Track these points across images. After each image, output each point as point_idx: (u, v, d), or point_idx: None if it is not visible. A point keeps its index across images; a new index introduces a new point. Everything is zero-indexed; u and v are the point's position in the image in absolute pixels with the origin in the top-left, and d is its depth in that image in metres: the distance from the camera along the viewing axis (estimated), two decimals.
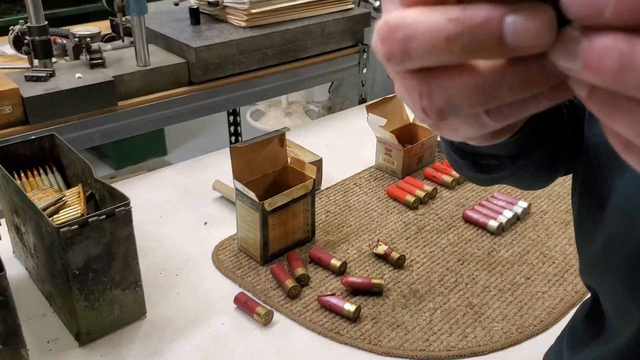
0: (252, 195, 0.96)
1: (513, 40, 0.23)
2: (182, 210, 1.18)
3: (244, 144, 1.00)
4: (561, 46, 0.23)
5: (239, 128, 2.17)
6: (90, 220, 0.81)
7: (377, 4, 2.28)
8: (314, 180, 1.03)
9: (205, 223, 1.14)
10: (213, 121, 2.58)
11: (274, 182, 1.07)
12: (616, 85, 0.22)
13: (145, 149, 3.06)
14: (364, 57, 1.67)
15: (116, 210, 0.83)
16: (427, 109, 0.27)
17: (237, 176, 1.00)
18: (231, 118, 2.15)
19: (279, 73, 1.50)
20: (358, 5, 3.07)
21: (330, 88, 3.57)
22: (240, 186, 0.99)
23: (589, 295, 0.62)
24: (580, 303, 0.67)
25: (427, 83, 0.26)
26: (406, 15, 0.25)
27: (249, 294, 0.94)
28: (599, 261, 0.52)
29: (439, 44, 0.24)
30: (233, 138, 2.19)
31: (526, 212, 1.15)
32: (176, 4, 1.56)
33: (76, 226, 0.80)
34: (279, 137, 1.05)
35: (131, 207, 0.84)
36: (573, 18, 0.23)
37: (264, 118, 3.50)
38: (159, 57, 1.38)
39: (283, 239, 1.03)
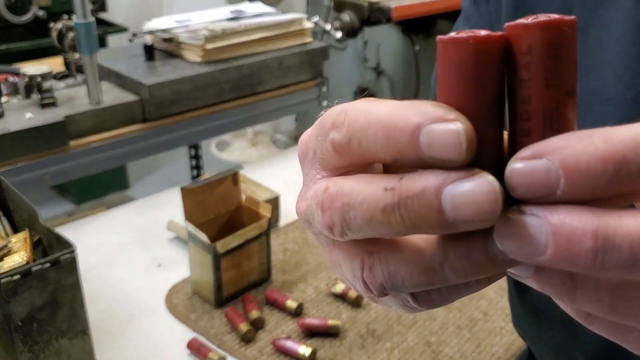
0: (204, 237, 0.94)
1: (453, 214, 0.21)
2: (135, 252, 1.15)
3: (195, 185, 0.98)
4: (512, 229, 0.21)
5: (200, 161, 2.15)
6: (33, 269, 0.78)
7: (338, 35, 2.30)
8: (269, 219, 1.01)
9: (159, 265, 1.11)
10: (176, 153, 2.55)
11: (228, 222, 1.05)
12: (595, 270, 0.20)
13: (106, 183, 3.01)
14: (324, 90, 1.67)
15: (61, 257, 0.80)
16: (368, 282, 0.25)
17: (188, 217, 0.98)
18: (192, 151, 2.13)
19: (236, 108, 1.49)
20: (322, 39, 3.09)
21: (297, 117, 3.58)
22: (191, 228, 0.96)
23: None
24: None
25: (371, 254, 0.24)
26: (344, 183, 0.24)
27: (203, 339, 0.92)
28: (535, 311, 0.51)
29: (376, 215, 0.23)
30: (195, 171, 2.16)
31: None
32: (131, 40, 1.54)
33: (18, 276, 0.77)
34: (232, 176, 1.03)
35: (76, 255, 0.82)
36: (521, 199, 0.22)
37: (229, 149, 3.48)
38: (112, 95, 1.36)
39: (238, 280, 1.00)
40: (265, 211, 1.02)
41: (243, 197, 1.07)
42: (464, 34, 0.23)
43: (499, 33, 0.23)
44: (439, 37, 0.24)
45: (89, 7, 1.23)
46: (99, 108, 1.30)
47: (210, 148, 3.48)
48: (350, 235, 0.24)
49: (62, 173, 1.28)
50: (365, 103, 0.24)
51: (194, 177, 2.18)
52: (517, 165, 0.21)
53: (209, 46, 1.42)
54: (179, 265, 1.10)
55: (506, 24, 0.23)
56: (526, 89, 0.23)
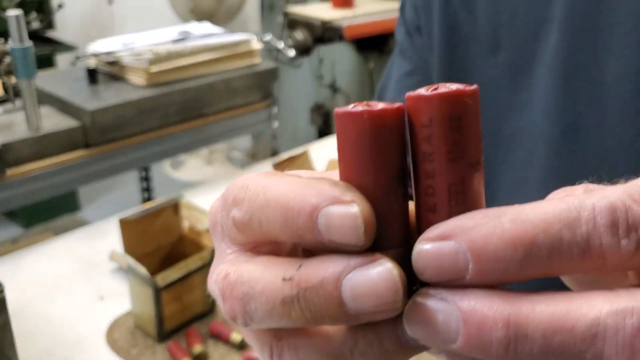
0: (143, 270, 0.91)
1: (354, 305, 0.20)
2: (76, 284, 1.11)
3: (134, 217, 0.96)
4: (421, 315, 0.20)
5: (151, 183, 2.11)
6: None
7: (291, 54, 2.29)
8: (212, 250, 0.99)
9: (102, 298, 1.08)
10: (126, 173, 2.50)
11: (170, 253, 1.02)
12: (507, 358, 0.19)
13: (57, 206, 2.93)
14: (274, 110, 1.66)
15: None
16: None
17: (128, 250, 0.95)
18: (142, 173, 2.09)
19: (183, 131, 1.46)
20: (276, 57, 3.08)
21: (253, 134, 3.55)
22: (131, 261, 0.93)
23: None
24: None
25: (279, 340, 0.23)
26: (244, 270, 0.23)
27: None
28: None
29: (276, 308, 0.21)
30: (145, 194, 2.12)
31: None
32: (73, 64, 1.50)
33: None
34: (173, 206, 1.01)
35: (4, 295, 0.78)
36: (428, 282, 0.21)
37: (183, 168, 3.43)
38: (53, 121, 1.32)
39: (180, 313, 0.98)
40: (208, 241, 1.00)
41: (186, 226, 1.04)
42: (359, 107, 0.22)
43: (397, 105, 0.22)
44: (336, 110, 0.22)
45: (26, 31, 1.19)
46: (39, 135, 1.26)
47: (164, 167, 3.43)
48: (253, 326, 0.23)
49: (0, 202, 1.23)
50: (266, 179, 0.23)
51: (145, 200, 2.13)
52: (424, 247, 0.20)
53: (154, 69, 1.40)
54: (121, 298, 1.07)
55: (406, 95, 0.22)
56: (429, 162, 0.22)
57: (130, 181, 3.10)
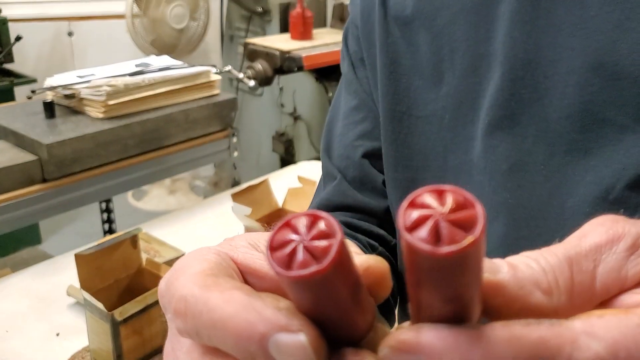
0: (100, 305, 0.91)
1: None
2: (32, 321, 1.09)
3: (91, 251, 0.95)
4: None
5: (112, 215, 2.09)
6: None
7: (251, 84, 2.31)
8: None
9: (58, 334, 1.06)
10: (89, 205, 2.47)
11: (128, 286, 1.02)
12: None
13: (17, 238, 2.87)
14: (234, 140, 1.67)
15: None
16: None
17: (84, 285, 0.94)
18: (103, 205, 2.07)
19: (142, 162, 1.46)
20: (237, 87, 3.10)
21: (215, 163, 3.55)
22: (87, 296, 0.92)
23: None
24: None
25: None
26: None
27: None
28: None
29: None
30: (106, 225, 2.10)
31: None
32: (29, 97, 1.49)
33: None
34: (131, 239, 1.00)
35: None
36: None
37: (146, 198, 3.40)
38: (8, 155, 1.31)
39: (140, 348, 0.97)
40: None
41: (144, 258, 1.04)
42: (296, 268, 0.21)
43: (331, 259, 0.21)
44: (277, 270, 0.22)
45: None
46: None
47: (127, 198, 3.40)
48: None
49: None
50: (205, 293, 0.25)
51: (107, 231, 2.11)
52: (383, 352, 0.22)
53: (111, 102, 1.40)
54: (79, 333, 1.05)
55: (410, 241, 0.21)
56: (421, 294, 0.22)
57: (92, 212, 3.06)
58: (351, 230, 0.58)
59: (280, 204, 1.38)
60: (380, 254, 0.57)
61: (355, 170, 0.62)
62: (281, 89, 3.01)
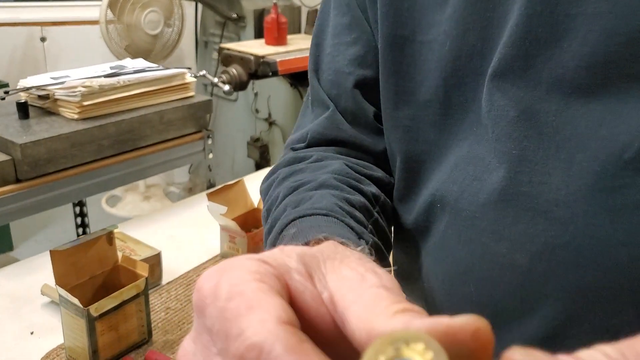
0: (76, 301, 0.91)
1: None
2: (5, 321, 1.08)
3: (66, 247, 0.95)
4: None
5: (86, 219, 2.08)
6: None
7: (226, 88, 2.32)
8: (147, 278, 0.99)
9: (32, 333, 1.05)
10: (62, 211, 2.45)
11: (104, 283, 1.02)
12: None
13: None
14: (209, 142, 1.67)
15: None
16: None
17: (60, 281, 0.94)
18: (77, 209, 2.06)
19: (117, 163, 1.46)
20: (212, 92, 3.10)
21: (190, 169, 3.54)
22: (62, 292, 0.92)
23: None
24: None
25: None
26: None
27: None
28: None
29: None
30: (80, 230, 2.08)
31: None
32: (2, 98, 1.48)
33: None
34: (107, 236, 1.01)
35: None
36: None
37: (120, 204, 3.38)
38: None
39: (115, 344, 0.97)
40: (143, 270, 1.00)
41: (120, 256, 1.04)
42: None
43: None
44: None
45: None
46: None
47: (101, 203, 3.37)
48: None
49: None
50: (289, 356, 0.23)
51: (80, 237, 2.10)
52: None
53: (86, 103, 1.40)
54: (54, 332, 1.05)
55: None
56: None
57: (65, 218, 3.03)
58: (352, 189, 0.53)
59: (255, 204, 1.39)
60: (383, 204, 0.55)
61: (348, 101, 0.57)
62: (256, 94, 3.02)
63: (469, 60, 0.47)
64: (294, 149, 0.62)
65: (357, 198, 0.51)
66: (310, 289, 0.27)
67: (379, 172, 0.57)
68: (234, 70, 2.33)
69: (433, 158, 0.51)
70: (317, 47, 0.61)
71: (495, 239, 0.46)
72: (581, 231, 0.41)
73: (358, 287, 0.26)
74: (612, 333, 0.42)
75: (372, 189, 0.54)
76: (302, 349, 0.23)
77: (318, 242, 0.39)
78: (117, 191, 3.47)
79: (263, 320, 0.23)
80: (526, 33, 0.43)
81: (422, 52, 0.50)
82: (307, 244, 0.40)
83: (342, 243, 0.37)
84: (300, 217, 0.46)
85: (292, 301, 0.27)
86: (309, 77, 0.62)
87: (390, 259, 0.61)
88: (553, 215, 0.43)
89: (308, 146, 0.60)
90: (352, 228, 0.46)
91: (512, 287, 0.46)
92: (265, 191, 0.58)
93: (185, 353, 0.27)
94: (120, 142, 1.46)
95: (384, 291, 0.26)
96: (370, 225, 0.50)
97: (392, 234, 0.57)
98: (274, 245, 0.46)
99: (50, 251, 0.94)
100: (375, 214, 0.53)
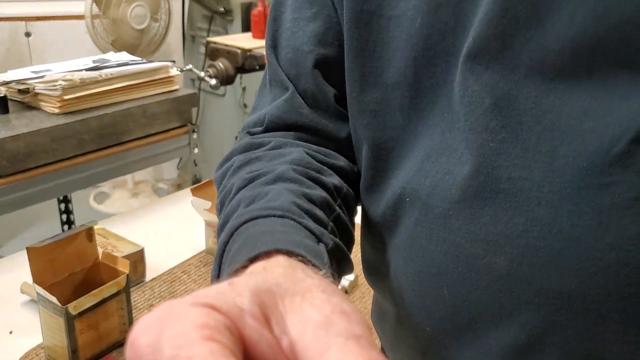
0: (53, 299, 0.88)
1: None
2: None
3: (44, 243, 0.92)
4: None
5: (71, 216, 2.05)
6: None
7: (213, 82, 2.29)
8: (127, 275, 0.97)
9: (11, 332, 1.03)
10: (48, 209, 2.42)
11: (84, 280, 0.99)
12: None
13: None
14: (194, 137, 1.65)
15: None
16: None
17: (37, 279, 0.91)
18: (62, 206, 2.03)
19: (100, 158, 1.43)
20: (199, 86, 3.07)
21: (178, 165, 3.51)
22: (40, 290, 0.90)
23: None
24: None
25: None
26: None
27: None
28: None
29: None
30: (66, 227, 2.05)
31: (353, 284, 1.15)
32: None
33: None
34: (86, 232, 0.98)
35: None
36: None
37: (108, 200, 3.35)
38: None
39: (96, 343, 0.94)
40: (124, 267, 0.98)
41: (100, 253, 1.01)
42: None
43: None
44: None
45: None
46: None
47: (89, 200, 3.34)
48: None
49: None
50: None
51: (58, 234, 2.07)
52: None
53: (67, 97, 1.37)
54: (33, 331, 1.02)
55: None
56: None
57: (51, 216, 3.00)
58: (312, 182, 0.49)
59: None
60: (345, 196, 0.51)
61: (308, 83, 0.53)
62: (244, 89, 3.00)
63: (442, 38, 0.43)
64: (250, 133, 0.57)
65: (318, 193, 0.47)
66: (267, 337, 0.24)
67: (341, 161, 0.54)
68: (221, 64, 2.31)
69: (402, 146, 0.47)
70: (274, 22, 0.56)
71: (470, 239, 0.42)
72: (566, 233, 0.38)
73: (324, 337, 0.23)
74: (596, 340, 0.39)
75: (334, 180, 0.51)
76: None
77: (268, 255, 0.35)
78: (105, 188, 3.44)
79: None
80: (504, 10, 0.39)
81: (390, 29, 0.46)
82: (255, 258, 0.35)
83: (299, 258, 0.34)
84: (253, 218, 0.42)
85: (247, 351, 0.23)
86: (266, 53, 0.58)
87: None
88: (534, 215, 0.39)
89: (265, 130, 0.56)
90: (310, 230, 0.42)
91: (490, 291, 0.42)
92: (219, 180, 0.54)
93: None
94: (102, 137, 1.43)
95: (353, 345, 0.23)
96: (331, 223, 0.47)
97: (354, 228, 0.53)
98: (225, 244, 0.42)
99: (27, 248, 0.91)
100: (337, 208, 0.49)
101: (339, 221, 0.48)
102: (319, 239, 0.42)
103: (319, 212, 0.46)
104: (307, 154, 0.51)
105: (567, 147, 0.38)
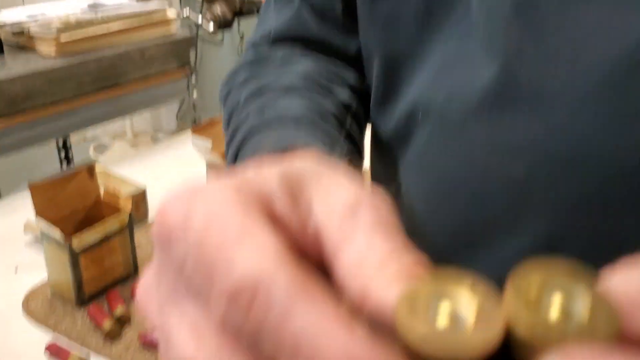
0: (57, 233, 0.89)
1: None
2: None
3: (46, 180, 0.93)
4: None
5: (72, 164, 2.05)
6: None
7: (210, 26, 2.26)
8: (130, 213, 0.97)
9: (16, 270, 1.04)
10: (47, 157, 2.41)
11: (86, 218, 1.00)
12: None
13: None
14: (192, 80, 1.63)
15: None
16: None
17: (40, 214, 0.92)
18: (62, 154, 2.02)
19: (98, 101, 1.43)
20: (196, 31, 3.03)
21: (177, 114, 3.49)
22: (43, 225, 0.90)
23: None
24: None
25: None
26: None
27: (63, 342, 0.86)
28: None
29: None
30: None
31: None
32: None
33: None
34: (87, 169, 0.98)
35: None
36: None
37: (108, 152, 3.34)
38: None
39: (101, 277, 0.95)
40: (126, 204, 0.98)
41: (101, 191, 1.02)
42: None
43: None
44: None
45: None
46: None
47: (88, 152, 3.33)
48: None
49: None
50: (295, 296, 0.18)
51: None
52: None
53: (63, 38, 1.35)
54: (38, 268, 1.03)
55: None
56: None
57: (52, 165, 3.00)
58: (323, 92, 0.48)
59: None
60: (355, 112, 0.50)
61: None
62: (242, 37, 2.96)
63: None
64: (256, 49, 0.56)
65: (329, 103, 0.46)
66: (296, 218, 0.23)
67: (351, 75, 0.52)
68: (219, 8, 2.27)
69: (415, 58, 0.46)
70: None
71: (487, 149, 0.41)
72: (587, 139, 0.37)
73: (349, 225, 0.22)
74: (613, 244, 0.39)
75: (344, 94, 0.49)
76: (310, 287, 0.18)
77: (293, 150, 0.34)
78: (105, 139, 3.43)
79: (259, 249, 0.19)
80: None
81: None
82: (283, 151, 0.35)
83: (323, 152, 0.33)
84: (266, 123, 0.40)
85: (279, 225, 0.22)
86: None
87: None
88: (555, 121, 0.38)
89: (272, 46, 0.54)
90: (327, 133, 0.40)
91: (506, 201, 0.41)
92: (224, 97, 0.52)
93: (146, 294, 0.23)
94: (101, 79, 1.42)
95: (379, 235, 0.21)
96: (344, 132, 0.46)
97: (363, 147, 0.51)
98: (235, 157, 0.41)
99: (29, 184, 0.91)
100: (348, 121, 0.48)
101: (350, 135, 0.47)
102: (334, 144, 0.40)
103: (332, 120, 0.44)
104: (317, 66, 0.50)
105: (589, 53, 0.37)
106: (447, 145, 0.44)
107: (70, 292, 0.93)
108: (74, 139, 3.30)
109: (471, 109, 0.42)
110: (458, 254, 0.46)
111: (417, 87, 0.46)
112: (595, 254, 0.40)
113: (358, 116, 0.51)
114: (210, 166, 1.27)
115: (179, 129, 3.48)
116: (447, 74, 0.44)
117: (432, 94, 0.45)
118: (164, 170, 1.39)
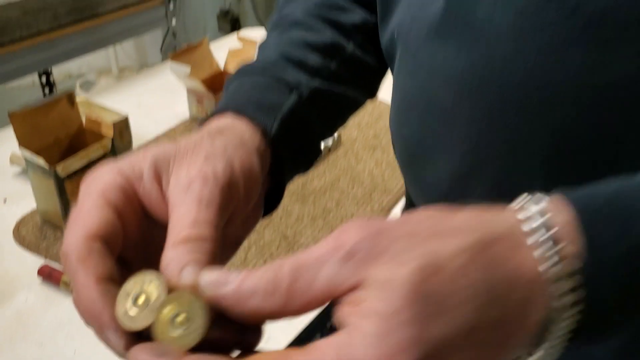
0: (41, 161, 0.90)
1: None
2: None
3: (26, 109, 0.93)
4: None
5: None
6: None
7: None
8: (113, 139, 0.98)
9: (5, 201, 1.06)
10: (32, 93, 2.40)
11: (70, 146, 1.01)
12: None
13: None
14: (171, 7, 1.61)
15: None
16: None
17: (23, 143, 0.93)
18: (47, 89, 2.01)
19: (75, 32, 1.41)
20: None
21: (161, 48, 3.45)
22: (27, 154, 0.92)
23: (393, 210, 0.64)
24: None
25: None
26: None
27: (55, 265, 0.89)
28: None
29: None
30: None
31: (336, 142, 1.17)
32: None
33: None
34: (67, 97, 0.98)
35: None
36: None
37: (94, 88, 3.32)
38: None
39: None
40: (108, 131, 0.99)
41: (83, 119, 1.02)
42: None
43: None
44: None
45: None
46: None
47: (75, 89, 3.31)
48: None
49: None
50: (77, 264, 0.32)
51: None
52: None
53: None
54: (26, 198, 1.05)
55: None
56: None
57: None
58: (325, 24, 0.54)
59: (222, 67, 1.35)
60: (368, 33, 0.56)
61: None
62: None
63: None
64: None
65: (322, 38, 0.51)
66: (156, 193, 0.34)
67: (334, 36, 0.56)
68: None
69: None
70: None
71: (431, 75, 0.45)
72: (523, 68, 0.39)
73: (182, 197, 0.33)
74: (522, 174, 0.42)
75: (355, 17, 0.55)
76: (88, 258, 0.31)
77: (222, 114, 0.43)
78: (91, 76, 3.40)
79: (75, 233, 0.32)
80: None
81: None
82: (219, 113, 0.44)
83: (245, 116, 0.42)
84: (240, 74, 0.49)
85: (142, 204, 0.35)
86: None
87: None
88: (479, 52, 0.40)
89: None
90: (286, 82, 0.47)
91: (440, 123, 0.45)
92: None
93: None
94: (77, 10, 1.40)
95: (192, 208, 0.32)
96: (333, 64, 0.51)
97: (382, 61, 0.57)
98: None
99: (9, 113, 0.92)
100: (350, 47, 0.53)
101: (352, 59, 0.53)
102: (292, 89, 0.47)
103: (312, 58, 0.50)
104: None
105: None
106: (407, 67, 0.48)
107: (59, 218, 0.95)
108: (59, 76, 3.27)
109: (422, 36, 0.45)
110: (411, 170, 0.51)
111: (400, 11, 0.50)
112: (506, 181, 0.43)
113: (372, 35, 0.56)
114: (190, 92, 1.27)
115: (164, 61, 3.45)
116: (415, 2, 0.47)
117: (403, 20, 0.49)
118: (146, 98, 1.39)
